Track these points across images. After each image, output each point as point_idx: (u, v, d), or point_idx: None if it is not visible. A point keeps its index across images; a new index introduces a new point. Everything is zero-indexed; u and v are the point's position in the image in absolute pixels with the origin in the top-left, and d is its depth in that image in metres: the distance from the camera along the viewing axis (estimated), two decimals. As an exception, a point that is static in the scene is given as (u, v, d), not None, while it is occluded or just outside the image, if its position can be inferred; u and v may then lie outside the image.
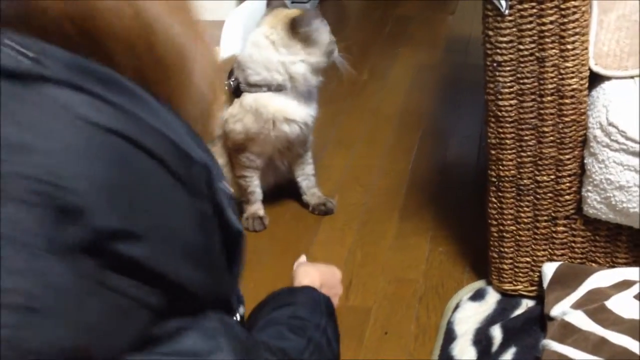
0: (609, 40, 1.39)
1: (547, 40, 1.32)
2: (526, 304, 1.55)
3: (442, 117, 2.55)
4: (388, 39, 3.36)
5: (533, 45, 1.33)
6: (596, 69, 1.37)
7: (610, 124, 1.31)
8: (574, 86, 1.35)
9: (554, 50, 1.33)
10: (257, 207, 1.93)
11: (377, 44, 3.30)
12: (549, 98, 1.36)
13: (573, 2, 1.29)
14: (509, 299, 1.56)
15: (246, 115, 1.80)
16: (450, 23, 3.55)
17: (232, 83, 1.80)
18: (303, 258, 1.14)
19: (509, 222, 1.50)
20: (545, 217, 1.47)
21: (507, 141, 1.42)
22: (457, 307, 1.56)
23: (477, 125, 2.43)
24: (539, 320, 1.47)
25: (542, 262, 1.52)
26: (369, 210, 1.99)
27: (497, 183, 1.47)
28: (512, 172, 1.44)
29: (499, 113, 1.40)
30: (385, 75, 2.93)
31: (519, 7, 1.31)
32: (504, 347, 1.42)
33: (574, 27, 1.31)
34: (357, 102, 2.70)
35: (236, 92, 1.81)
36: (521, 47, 1.34)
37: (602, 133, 1.33)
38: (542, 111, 1.38)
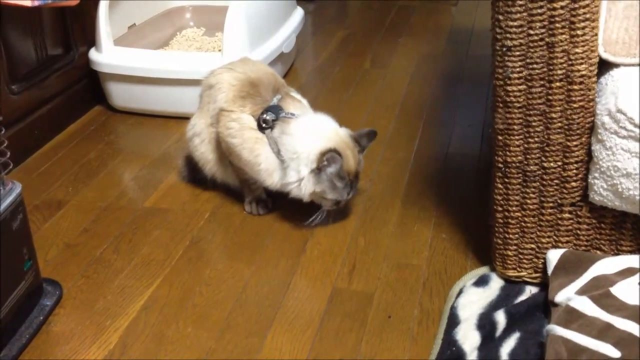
0: (617, 27, 1.39)
1: (557, 25, 1.32)
2: (530, 290, 1.55)
3: (444, 106, 2.55)
4: (390, 28, 3.36)
5: (543, 31, 1.33)
6: (605, 55, 1.37)
7: (618, 111, 1.31)
8: (583, 72, 1.35)
9: (564, 36, 1.32)
10: (259, 192, 1.93)
11: (379, 33, 3.29)
12: (557, 84, 1.36)
13: (584, -12, 1.29)
14: (512, 285, 1.57)
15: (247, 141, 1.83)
16: (453, 14, 3.55)
17: (267, 118, 1.80)
18: None
19: (514, 208, 1.50)
20: (551, 204, 1.47)
21: (515, 127, 1.42)
22: (460, 292, 1.56)
23: (479, 114, 2.43)
24: (543, 307, 1.47)
25: (547, 248, 1.52)
26: (371, 197, 1.99)
27: (503, 169, 1.47)
28: (519, 158, 1.44)
29: (507, 98, 1.40)
30: (387, 65, 2.93)
31: (530, -9, 1.31)
32: (507, 332, 1.42)
33: (584, 13, 1.31)
34: (358, 90, 2.70)
35: (263, 127, 1.81)
36: (531, 32, 1.33)
37: (610, 120, 1.33)
38: (550, 97, 1.38)
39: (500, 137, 1.45)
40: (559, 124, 1.39)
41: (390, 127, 2.39)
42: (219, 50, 2.43)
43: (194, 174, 2.07)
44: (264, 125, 1.81)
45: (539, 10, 1.31)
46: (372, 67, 2.92)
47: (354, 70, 2.89)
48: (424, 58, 2.98)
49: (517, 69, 1.37)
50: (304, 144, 1.76)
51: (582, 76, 1.35)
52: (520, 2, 1.32)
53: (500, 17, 1.35)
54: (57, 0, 1.96)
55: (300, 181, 1.77)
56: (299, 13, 2.90)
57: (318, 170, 1.74)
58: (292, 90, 1.96)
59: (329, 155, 1.71)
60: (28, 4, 1.91)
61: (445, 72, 2.84)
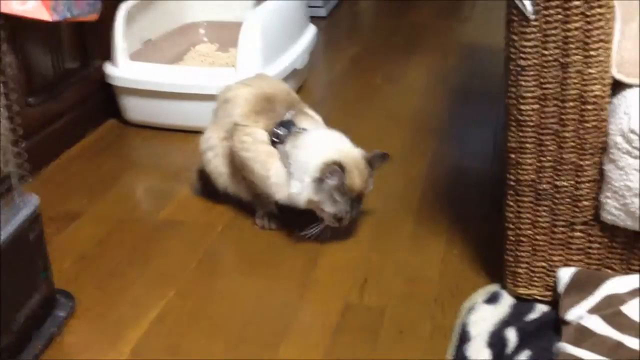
0: (630, 49, 1.40)
1: (571, 46, 1.33)
2: (541, 308, 1.55)
3: (456, 122, 2.56)
4: (401, 45, 3.38)
5: (557, 51, 1.34)
6: (618, 76, 1.38)
7: (631, 131, 1.32)
8: (597, 93, 1.36)
9: (577, 57, 1.34)
10: (271, 206, 1.95)
11: (390, 50, 3.32)
12: (571, 104, 1.38)
13: (598, 10, 1.31)
14: (523, 303, 1.57)
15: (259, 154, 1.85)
16: (465, 31, 3.57)
17: (280, 132, 1.83)
18: None
19: (526, 226, 1.51)
20: (563, 223, 1.48)
21: (528, 145, 1.44)
22: (471, 309, 1.57)
23: (490, 131, 2.45)
24: (554, 325, 1.48)
25: (558, 267, 1.53)
26: (383, 212, 2.01)
27: (515, 187, 1.49)
28: (532, 176, 1.46)
29: (520, 117, 1.42)
30: (399, 81, 2.95)
31: (545, 12, 1.32)
32: (518, 349, 1.43)
33: (598, 35, 1.33)
34: (370, 106, 2.72)
35: (275, 142, 1.84)
36: (545, 52, 1.35)
37: (622, 140, 1.34)
38: (563, 116, 1.39)
39: (512, 156, 1.46)
40: (572, 144, 1.41)
41: (402, 143, 2.40)
42: (232, 66, 2.45)
43: (207, 187, 2.09)
44: (276, 140, 1.83)
45: (554, 31, 1.33)
46: (384, 83, 2.94)
47: (365, 87, 2.91)
48: (436, 74, 3.00)
49: (531, 89, 1.39)
50: (310, 155, 1.78)
51: (595, 96, 1.36)
52: (535, 23, 1.34)
53: (515, 37, 1.37)
54: (77, 15, 1.99)
55: (302, 189, 1.79)
56: (311, 30, 2.93)
57: (320, 180, 1.75)
58: (305, 106, 1.98)
59: (332, 168, 1.73)
60: (48, 18, 1.95)
61: (456, 89, 2.85)
